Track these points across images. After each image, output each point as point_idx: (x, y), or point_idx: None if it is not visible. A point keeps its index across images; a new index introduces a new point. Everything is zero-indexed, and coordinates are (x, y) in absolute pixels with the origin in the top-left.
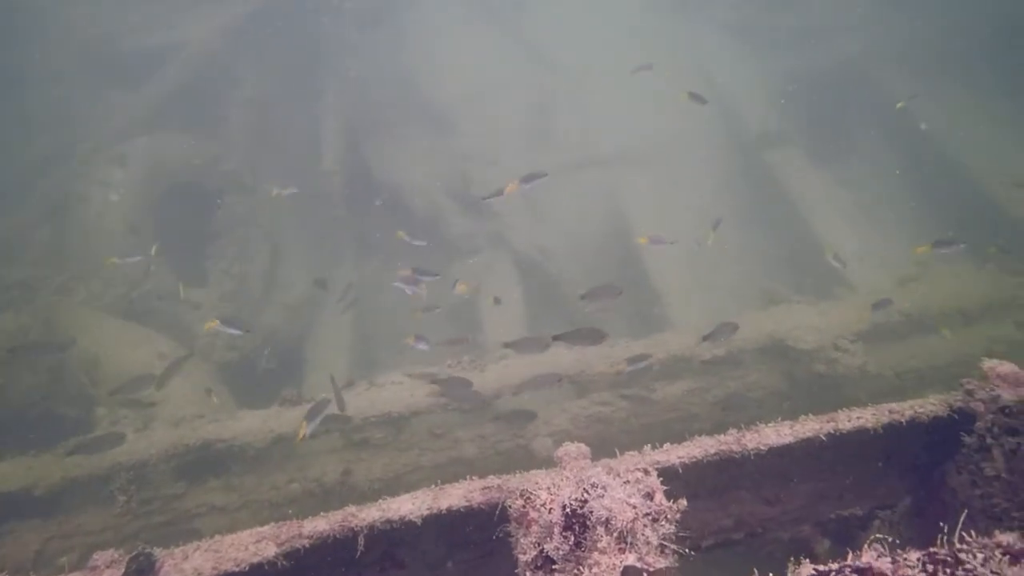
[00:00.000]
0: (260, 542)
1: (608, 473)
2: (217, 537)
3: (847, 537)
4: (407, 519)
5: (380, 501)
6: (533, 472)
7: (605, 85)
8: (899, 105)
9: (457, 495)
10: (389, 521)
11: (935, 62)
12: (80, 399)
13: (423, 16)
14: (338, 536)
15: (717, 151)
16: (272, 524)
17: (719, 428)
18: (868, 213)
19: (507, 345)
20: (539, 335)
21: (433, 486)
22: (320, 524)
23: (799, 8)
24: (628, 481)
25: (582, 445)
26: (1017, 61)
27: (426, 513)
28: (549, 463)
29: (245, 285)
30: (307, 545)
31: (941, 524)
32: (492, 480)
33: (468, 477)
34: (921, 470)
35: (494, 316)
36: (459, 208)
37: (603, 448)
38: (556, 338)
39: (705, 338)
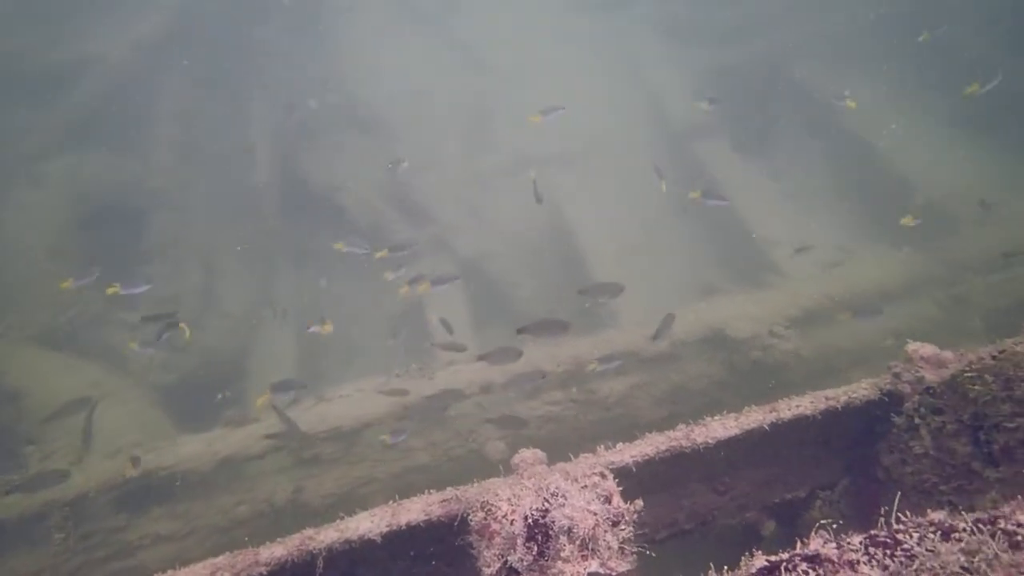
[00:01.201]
0: (215, 574)
1: (566, 479)
2: (170, 572)
3: (791, 518)
4: (366, 538)
5: (338, 521)
6: (491, 481)
7: (539, 84)
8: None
9: (416, 509)
10: (348, 541)
11: (851, 53)
12: (7, 435)
13: (353, 22)
14: (296, 561)
15: (650, 146)
16: (227, 554)
17: (667, 420)
18: (793, 201)
19: (481, 358)
20: (511, 346)
21: (391, 502)
22: (277, 550)
23: (723, 4)
24: (586, 486)
25: (538, 451)
26: (926, 51)
27: (385, 530)
28: (503, 466)
29: (180, 305)
30: (264, 573)
31: (880, 505)
32: (450, 492)
33: (426, 491)
34: (857, 451)
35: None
36: (399, 214)
37: (557, 448)
38: (521, 331)
39: (654, 338)
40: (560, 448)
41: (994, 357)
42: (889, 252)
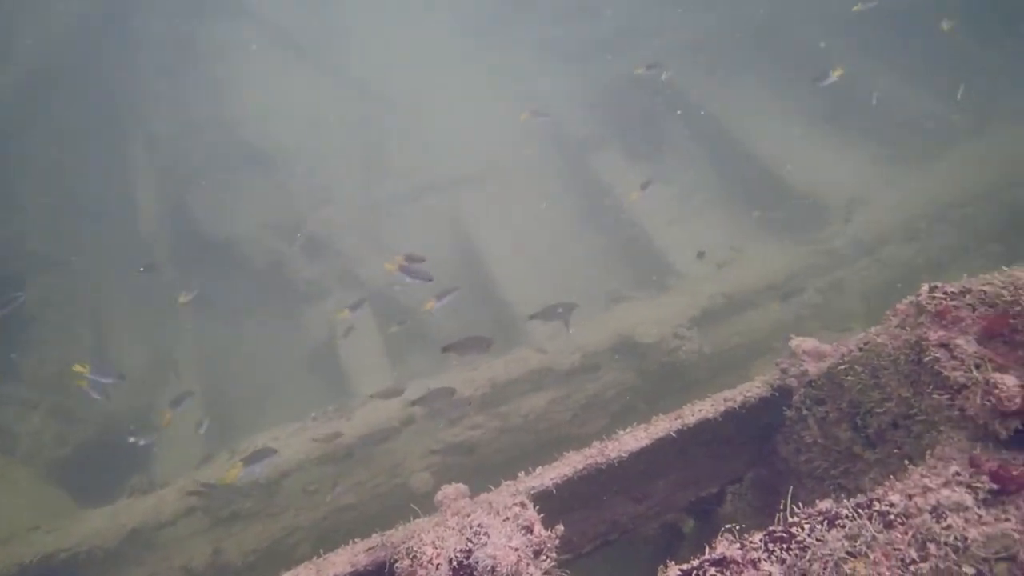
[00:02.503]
0: None
1: (489, 513)
2: None
3: (708, 513)
4: None
5: None
6: (416, 523)
7: (434, 110)
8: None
9: (341, 562)
10: None
11: (723, 58)
12: None
13: (234, 63)
14: None
15: (548, 162)
16: None
17: (585, 430)
18: (685, 204)
19: (415, 402)
20: (445, 387)
21: (316, 556)
22: None
23: (603, 18)
24: (508, 518)
25: (461, 485)
26: (788, 53)
27: None
28: (429, 498)
29: (69, 370)
30: None
31: (783, 493)
32: (376, 539)
33: (352, 540)
34: (758, 445)
35: (355, 359)
36: (301, 251)
37: (481, 473)
38: (445, 349)
39: (537, 317)
40: (485, 474)
41: (860, 349)
42: (773, 247)
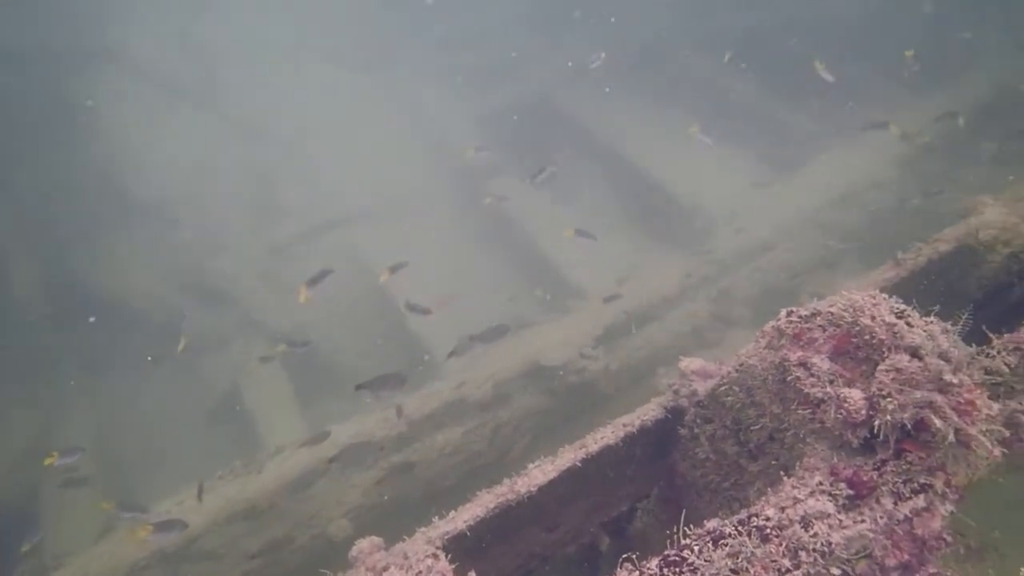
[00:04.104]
0: None
1: (402, 567)
2: None
3: (621, 531)
4: None
5: None
6: None
7: (325, 146)
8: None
9: None
10: None
11: (609, 79)
12: None
13: (111, 111)
14: None
15: (447, 191)
16: None
17: (501, 457)
18: (584, 224)
19: (332, 460)
20: (365, 441)
21: None
22: None
23: (487, 48)
24: (420, 571)
25: (375, 538)
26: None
27: None
28: (348, 545)
29: None
30: None
31: (684, 506)
32: None
33: None
34: (659, 463)
35: (264, 406)
36: (197, 301)
37: (402, 514)
38: (359, 387)
39: (476, 339)
40: (407, 513)
41: (737, 370)
42: (667, 261)
